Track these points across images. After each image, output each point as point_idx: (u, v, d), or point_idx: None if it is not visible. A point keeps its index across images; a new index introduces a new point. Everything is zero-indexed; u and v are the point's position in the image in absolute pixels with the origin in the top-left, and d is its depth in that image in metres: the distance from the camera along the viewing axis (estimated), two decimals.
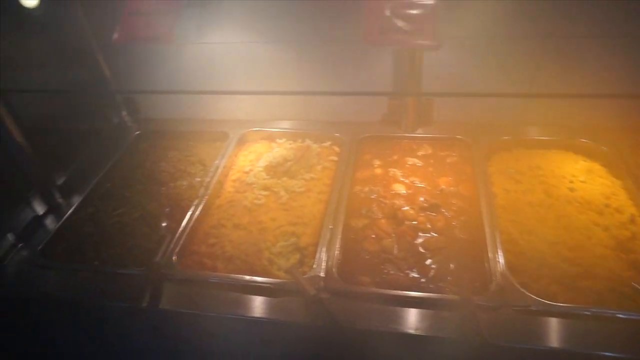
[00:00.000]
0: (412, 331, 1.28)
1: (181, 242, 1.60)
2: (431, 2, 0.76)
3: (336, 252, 1.50)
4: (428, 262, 1.48)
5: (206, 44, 2.03)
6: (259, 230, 1.63)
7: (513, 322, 1.27)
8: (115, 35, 0.92)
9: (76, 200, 1.85)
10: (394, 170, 1.85)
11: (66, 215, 1.78)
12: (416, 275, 1.45)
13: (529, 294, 1.31)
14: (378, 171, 1.86)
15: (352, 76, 2.01)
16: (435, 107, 2.01)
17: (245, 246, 1.57)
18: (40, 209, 1.78)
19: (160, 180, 1.94)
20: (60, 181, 1.88)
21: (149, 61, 2.17)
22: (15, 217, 1.74)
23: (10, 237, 1.64)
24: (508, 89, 1.91)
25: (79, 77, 2.25)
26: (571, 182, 1.68)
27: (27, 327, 1.79)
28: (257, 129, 2.13)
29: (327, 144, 2.04)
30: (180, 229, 1.64)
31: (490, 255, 1.43)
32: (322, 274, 1.43)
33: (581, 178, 1.70)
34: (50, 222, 1.77)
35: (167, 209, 1.77)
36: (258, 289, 1.43)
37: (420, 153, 1.93)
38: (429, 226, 1.60)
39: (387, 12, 0.79)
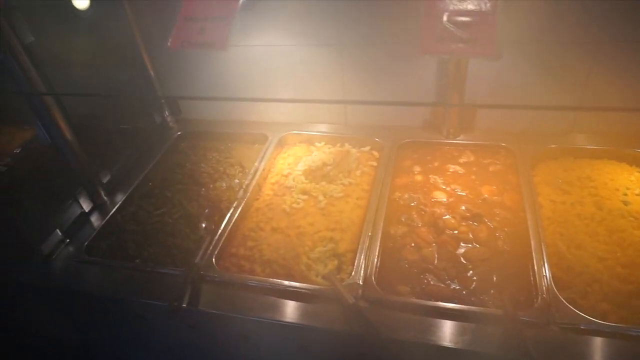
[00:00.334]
0: (452, 345, 1.24)
1: (220, 244, 1.61)
2: (492, 9, 0.74)
3: (375, 259, 1.48)
4: (470, 273, 1.44)
5: (249, 47, 2.04)
6: (297, 235, 1.62)
7: (560, 340, 1.21)
8: (170, 41, 0.93)
9: (120, 199, 1.90)
10: (435, 177, 1.81)
11: (110, 213, 1.83)
12: (457, 287, 1.41)
13: (577, 311, 1.25)
14: (418, 178, 1.82)
15: (394, 80, 1.98)
16: (478, 114, 1.96)
17: (283, 250, 1.57)
18: (86, 206, 1.83)
19: (200, 181, 1.96)
20: (105, 179, 1.93)
21: (192, 62, 2.20)
22: (63, 214, 1.80)
23: (58, 233, 1.69)
24: (557, 95, 1.83)
25: (125, 77, 2.31)
26: (625, 194, 1.60)
27: (70, 318, 1.86)
28: (296, 132, 2.13)
29: (367, 148, 2.02)
30: (219, 230, 1.66)
31: (535, 268, 1.38)
32: (360, 282, 1.41)
33: (636, 191, 1.61)
34: (95, 220, 1.82)
35: (207, 210, 1.79)
36: (296, 295, 1.42)
37: (462, 160, 1.89)
38: (471, 236, 1.56)
39: (445, 20, 0.76)
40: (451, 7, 0.77)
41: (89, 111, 2.43)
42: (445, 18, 0.77)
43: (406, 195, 1.75)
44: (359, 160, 1.93)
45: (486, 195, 1.70)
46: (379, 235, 1.56)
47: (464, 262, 1.48)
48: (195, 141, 2.27)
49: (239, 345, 1.61)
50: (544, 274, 1.35)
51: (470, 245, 1.53)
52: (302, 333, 1.41)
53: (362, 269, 1.45)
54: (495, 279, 1.41)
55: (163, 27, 2.07)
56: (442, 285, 1.42)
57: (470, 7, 0.75)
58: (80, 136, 1.78)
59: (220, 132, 2.26)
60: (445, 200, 1.71)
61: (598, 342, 1.20)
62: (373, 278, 1.42)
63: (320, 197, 1.76)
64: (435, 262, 1.49)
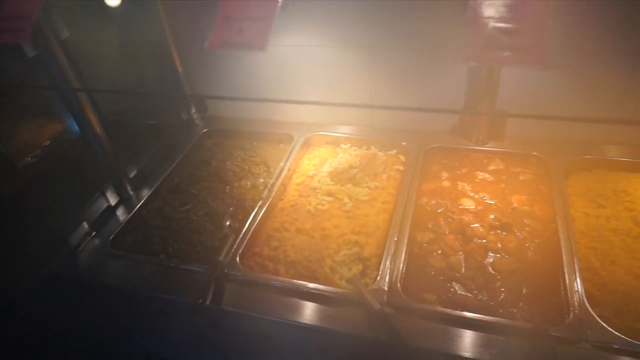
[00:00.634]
0: (480, 357, 1.21)
1: (244, 243, 1.61)
2: (544, 15, 0.71)
3: (400, 265, 1.46)
4: (498, 284, 1.41)
5: (278, 46, 2.04)
6: (321, 237, 1.61)
7: (592, 359, 1.18)
8: (208, 41, 0.92)
9: (145, 194, 1.91)
10: (463, 184, 1.78)
11: (136, 207, 1.84)
12: (485, 298, 1.38)
13: (612, 330, 1.21)
14: (446, 184, 1.79)
15: (424, 84, 1.95)
16: (509, 121, 1.92)
17: (307, 252, 1.55)
18: (112, 199, 1.85)
19: (225, 179, 1.97)
20: (132, 174, 1.95)
21: (220, 60, 2.21)
22: (90, 207, 1.82)
23: (85, 225, 1.71)
24: (593, 105, 1.79)
25: (153, 73, 2.33)
26: None
27: (94, 310, 1.88)
28: (323, 133, 2.12)
29: (393, 152, 1.99)
30: (244, 229, 1.66)
31: (567, 283, 1.34)
32: (385, 288, 1.39)
33: None
34: (121, 213, 1.84)
35: (231, 208, 1.78)
36: (320, 297, 1.41)
37: (491, 168, 1.85)
38: (500, 246, 1.52)
39: (493, 26, 0.74)
40: (499, 13, 0.74)
41: (116, 106, 2.46)
42: (491, 24, 0.74)
43: (433, 201, 1.72)
44: (385, 163, 1.91)
45: (516, 205, 1.66)
46: (405, 241, 1.54)
47: (492, 272, 1.45)
48: (220, 139, 2.28)
49: (260, 344, 1.61)
50: (576, 289, 1.31)
51: (498, 255, 1.49)
52: (324, 336, 1.40)
53: (388, 275, 1.43)
54: (524, 291, 1.38)
55: (193, 25, 2.13)
56: (470, 295, 1.39)
57: (520, 12, 0.73)
58: (108, 131, 1.81)
59: (246, 130, 2.26)
60: (473, 208, 1.68)
61: None
62: (398, 284, 1.40)
63: (346, 200, 1.74)
64: (463, 270, 1.46)
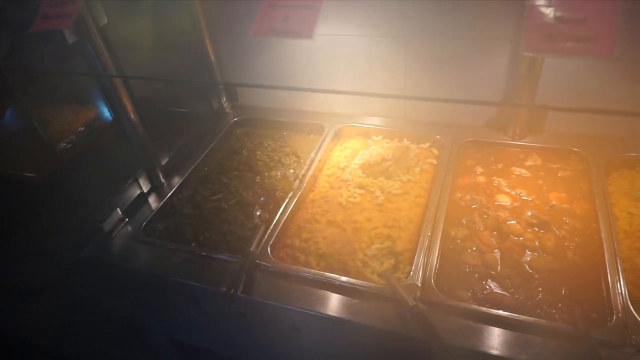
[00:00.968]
0: (516, 357, 1.18)
1: (275, 233, 1.60)
2: (611, 2, 0.66)
3: (434, 261, 1.43)
4: (535, 283, 1.37)
5: None
6: (353, 230, 1.59)
7: None
8: (254, 28, 0.91)
9: (176, 182, 1.92)
10: (499, 179, 1.73)
11: (168, 195, 1.86)
12: (522, 297, 1.34)
13: None
14: (481, 179, 1.75)
15: (459, 76, 1.90)
16: (549, 115, 1.86)
17: (339, 245, 1.54)
18: (145, 186, 1.86)
19: (255, 169, 1.96)
20: (163, 161, 1.96)
21: (252, 48, 2.20)
22: (123, 193, 1.84)
23: (118, 212, 1.73)
24: (638, 100, 1.71)
25: (185, 61, 2.34)
26: None
27: (127, 296, 1.91)
28: (354, 124, 2.09)
29: (426, 145, 1.95)
30: (275, 220, 1.65)
31: (610, 284, 1.29)
32: (418, 284, 1.37)
33: None
34: (153, 201, 1.85)
35: (262, 198, 1.78)
36: (351, 291, 1.40)
37: (528, 163, 1.79)
38: (537, 244, 1.48)
39: (555, 15, 0.70)
40: (561, 1, 0.70)
41: (147, 94, 2.48)
42: (553, 13, 0.70)
43: (468, 197, 1.68)
44: (418, 157, 1.87)
45: (554, 202, 1.61)
46: (439, 236, 1.51)
47: (530, 271, 1.41)
48: (251, 128, 2.27)
49: (289, 336, 1.61)
50: (619, 291, 1.26)
51: (536, 254, 1.45)
52: (354, 330, 1.38)
53: (421, 270, 1.40)
54: (564, 291, 1.34)
55: (225, 13, 2.12)
56: (506, 293, 1.35)
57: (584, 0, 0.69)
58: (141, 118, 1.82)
59: (276, 120, 2.25)
60: (509, 204, 1.64)
61: None
62: (432, 280, 1.37)
63: (378, 193, 1.72)
64: (499, 268, 1.43)
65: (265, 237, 1.59)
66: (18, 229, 2.47)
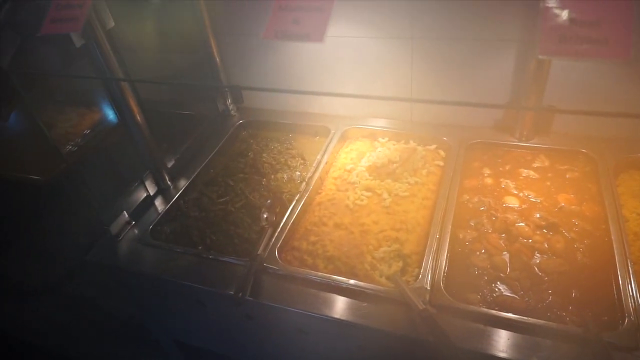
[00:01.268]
0: None
1: (282, 236, 1.60)
2: (626, 3, 0.66)
3: (443, 264, 1.42)
4: (545, 286, 1.36)
5: None
6: (360, 233, 1.58)
7: None
8: (264, 31, 0.90)
9: (183, 184, 1.92)
10: (507, 181, 1.72)
11: (174, 198, 1.85)
12: (531, 300, 1.33)
13: None
14: (488, 181, 1.74)
15: (467, 78, 1.89)
16: (556, 116, 1.85)
17: (346, 247, 1.54)
18: (151, 189, 1.86)
19: (261, 172, 1.96)
20: (169, 164, 1.96)
21: (257, 50, 2.19)
22: (130, 196, 1.84)
23: (125, 215, 1.73)
24: None
25: (189, 63, 2.34)
26: None
27: (132, 298, 1.91)
28: (360, 126, 2.08)
29: (432, 147, 1.94)
30: (282, 223, 1.65)
31: (620, 286, 1.28)
32: (427, 287, 1.36)
33: None
34: (159, 204, 1.85)
35: (269, 201, 1.77)
36: (360, 294, 1.39)
37: (535, 165, 1.79)
38: (547, 246, 1.47)
39: (570, 18, 0.69)
40: (576, 3, 0.70)
41: (152, 96, 2.48)
42: (568, 15, 0.70)
43: (475, 199, 1.67)
44: (424, 159, 1.87)
45: (563, 204, 1.60)
46: (447, 239, 1.50)
47: (539, 273, 1.40)
48: (256, 130, 2.27)
49: (296, 339, 1.60)
50: (631, 293, 1.25)
51: (545, 256, 1.44)
52: (363, 333, 1.38)
53: (430, 273, 1.40)
54: (574, 294, 1.33)
55: (230, 16, 2.11)
56: (515, 296, 1.35)
57: (599, 2, 0.68)
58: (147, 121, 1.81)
59: (282, 122, 2.24)
60: (517, 206, 1.63)
61: None
62: (441, 283, 1.37)
63: (385, 195, 1.71)
64: (508, 271, 1.42)
65: (273, 240, 1.59)
66: (23, 230, 2.48)
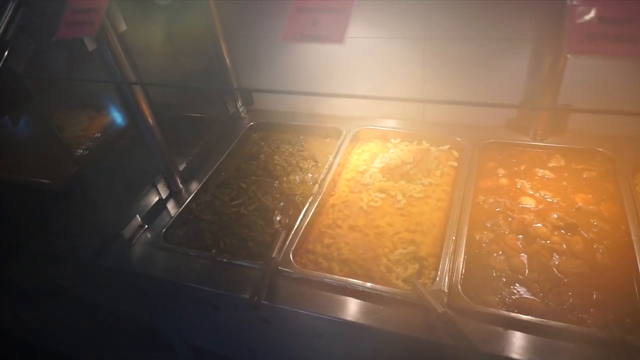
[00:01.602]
0: None
1: (297, 239, 1.59)
2: None
3: (460, 266, 1.41)
4: (565, 288, 1.34)
5: None
6: (375, 235, 1.57)
7: None
8: (283, 33, 0.89)
9: (195, 187, 1.91)
10: (522, 181, 1.70)
11: (186, 201, 1.84)
12: (551, 302, 1.31)
13: None
14: (503, 181, 1.72)
15: (480, 76, 1.87)
16: (572, 115, 1.82)
17: (362, 250, 1.52)
18: (163, 193, 1.85)
19: (273, 174, 1.95)
20: (181, 167, 1.95)
21: (268, 52, 2.19)
22: (142, 200, 1.84)
23: (138, 218, 1.72)
24: None
25: (200, 65, 2.34)
26: None
27: (145, 301, 1.90)
28: (372, 127, 2.07)
29: (446, 147, 1.92)
30: (295, 225, 1.63)
31: None
32: (445, 289, 1.35)
33: None
34: (172, 207, 1.84)
35: (282, 204, 1.76)
36: (377, 297, 1.37)
37: (551, 164, 1.76)
38: (565, 247, 1.45)
39: (599, 15, 0.68)
40: (605, 0, 0.68)
41: (163, 99, 2.48)
42: (597, 13, 0.68)
43: (491, 199, 1.65)
44: (438, 159, 1.85)
45: (580, 204, 1.58)
46: (464, 241, 1.48)
47: (559, 275, 1.38)
48: (267, 132, 2.26)
49: (311, 342, 1.59)
50: None
51: (564, 257, 1.42)
52: (380, 337, 1.36)
53: (447, 276, 1.38)
54: (595, 296, 1.30)
55: (240, 17, 2.11)
56: (535, 298, 1.33)
57: None
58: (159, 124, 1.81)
59: (293, 124, 2.23)
60: (534, 206, 1.61)
61: None
62: (459, 286, 1.35)
63: (399, 197, 1.70)
64: (526, 272, 1.40)
65: (287, 242, 1.58)
66: (34, 234, 2.49)
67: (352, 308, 1.37)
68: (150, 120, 1.69)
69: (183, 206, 1.82)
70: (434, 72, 1.94)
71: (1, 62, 1.27)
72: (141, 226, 1.74)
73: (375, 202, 1.69)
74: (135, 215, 1.72)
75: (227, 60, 2.18)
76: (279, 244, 1.55)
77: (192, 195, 1.87)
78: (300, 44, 2.08)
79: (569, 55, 0.72)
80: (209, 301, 1.64)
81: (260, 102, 2.38)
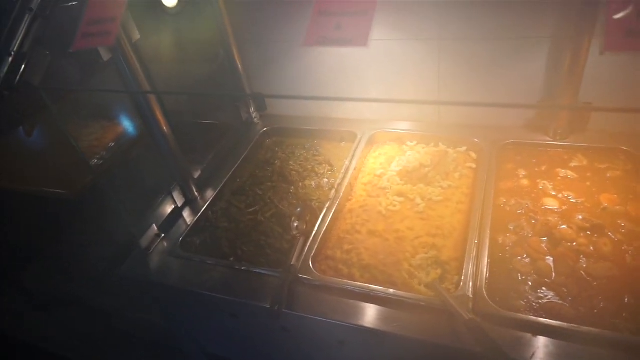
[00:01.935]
0: None
1: (315, 245, 1.56)
2: None
3: (484, 270, 1.37)
4: (594, 291, 1.30)
5: None
6: (395, 240, 1.54)
7: None
8: (306, 37, 0.87)
9: (210, 195, 1.90)
10: (544, 182, 1.66)
11: (202, 209, 1.83)
12: (582, 306, 1.27)
13: None
14: (524, 182, 1.68)
15: (497, 76, 1.84)
16: (593, 114, 1.78)
17: (382, 255, 1.49)
18: (179, 201, 1.84)
19: (289, 179, 1.93)
20: (196, 175, 1.94)
21: (278, 56, 2.17)
22: (158, 208, 1.82)
23: (154, 227, 1.71)
24: None
25: (213, 72, 2.32)
26: None
27: (162, 309, 1.89)
28: (387, 130, 2.04)
29: (463, 149, 1.89)
30: (314, 231, 1.61)
31: None
32: (470, 295, 1.31)
33: None
34: (188, 215, 1.83)
35: (299, 209, 1.74)
36: (399, 304, 1.34)
37: (573, 164, 1.72)
38: (592, 249, 1.41)
39: (636, 11, 0.65)
40: None
41: (175, 106, 2.47)
42: (635, 8, 0.65)
43: (512, 201, 1.62)
44: (456, 161, 1.82)
45: (606, 205, 1.54)
46: (487, 244, 1.45)
47: (587, 278, 1.34)
48: (281, 138, 2.24)
49: (333, 350, 1.56)
50: None
51: (592, 260, 1.38)
52: (404, 344, 1.34)
53: (471, 280, 1.35)
54: (626, 299, 1.26)
55: (251, 23, 2.09)
56: (564, 303, 1.29)
57: None
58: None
59: (307, 129, 2.21)
60: (557, 208, 1.57)
61: None
62: (484, 291, 1.32)
63: (418, 200, 1.67)
64: (553, 276, 1.36)
65: (306, 249, 1.55)
66: (50, 243, 2.49)
67: (374, 315, 1.34)
68: (165, 129, 1.68)
69: (199, 214, 1.81)
70: (450, 73, 1.91)
71: (18, 76, 1.26)
72: (158, 235, 1.73)
73: (394, 206, 1.67)
74: (151, 225, 1.71)
75: (239, 66, 2.17)
76: (297, 251, 1.53)
77: (207, 203, 1.86)
78: (312, 47, 2.06)
79: (606, 52, 0.69)
80: (228, 310, 1.62)
81: (273, 107, 2.37)
